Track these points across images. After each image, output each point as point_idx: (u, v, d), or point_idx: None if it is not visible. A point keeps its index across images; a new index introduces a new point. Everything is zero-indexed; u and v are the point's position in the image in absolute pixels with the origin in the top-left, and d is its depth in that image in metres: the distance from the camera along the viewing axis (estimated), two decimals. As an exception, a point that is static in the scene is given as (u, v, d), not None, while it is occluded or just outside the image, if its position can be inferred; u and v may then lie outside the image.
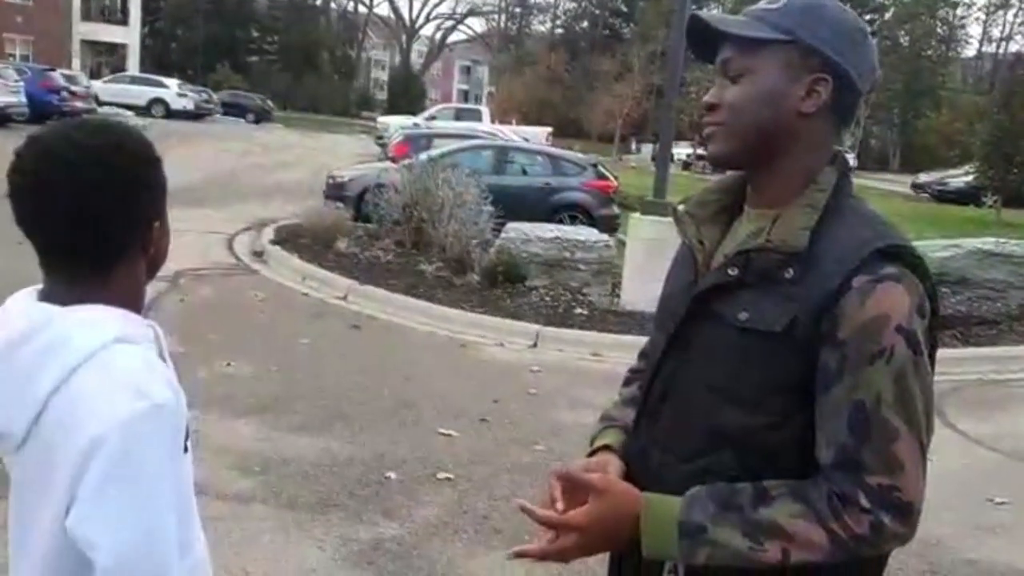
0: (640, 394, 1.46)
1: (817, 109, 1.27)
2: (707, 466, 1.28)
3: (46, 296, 1.21)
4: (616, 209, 13.63)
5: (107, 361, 1.14)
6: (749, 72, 1.28)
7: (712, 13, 1.35)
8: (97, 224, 1.17)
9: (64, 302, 1.18)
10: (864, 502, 1.18)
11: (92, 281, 1.20)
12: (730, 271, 1.28)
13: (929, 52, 62.31)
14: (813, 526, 1.19)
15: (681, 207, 1.45)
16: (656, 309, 1.48)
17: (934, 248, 9.69)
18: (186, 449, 1.25)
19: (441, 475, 4.52)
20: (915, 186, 34.81)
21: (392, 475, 4.47)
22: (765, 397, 1.24)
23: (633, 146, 44.57)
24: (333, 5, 67.45)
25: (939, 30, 63.69)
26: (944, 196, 30.73)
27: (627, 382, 1.62)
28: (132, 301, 1.25)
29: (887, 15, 64.37)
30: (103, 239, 1.19)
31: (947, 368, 7.42)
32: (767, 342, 1.23)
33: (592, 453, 1.49)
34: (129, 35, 48.02)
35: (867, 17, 64.29)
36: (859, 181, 39.16)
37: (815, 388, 1.22)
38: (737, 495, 1.23)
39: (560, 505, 1.32)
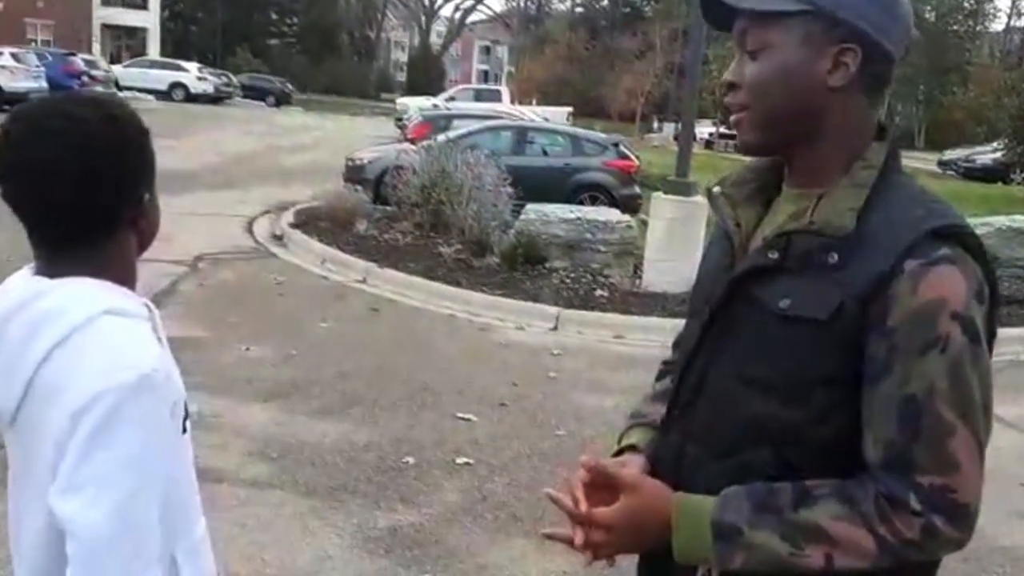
0: (672, 385, 1.37)
1: (847, 82, 1.17)
2: (744, 463, 1.20)
3: (39, 272, 1.20)
4: (638, 189, 13.48)
5: (95, 332, 1.12)
6: (768, 46, 1.18)
7: None
8: (88, 197, 1.16)
9: (55, 276, 1.17)
10: (915, 504, 1.09)
11: (83, 255, 1.18)
12: (770, 254, 1.19)
13: (956, 27, 61.26)
14: (859, 529, 1.10)
15: (716, 188, 1.36)
16: (690, 296, 1.40)
17: (962, 226, 9.53)
18: (184, 430, 1.22)
19: (460, 460, 4.46)
20: (941, 163, 34.33)
21: (410, 460, 4.41)
22: (808, 390, 1.15)
23: (655, 125, 44.20)
24: (352, -14, 67.29)
25: (966, 4, 62.57)
26: (971, 173, 30.29)
27: (660, 375, 1.53)
28: (124, 275, 1.23)
29: (913, -11, 63.39)
30: (94, 212, 1.18)
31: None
32: (811, 331, 1.13)
33: (618, 453, 1.41)
34: (149, 19, 48.14)
35: (892, -8, 63.52)
36: (884, 159, 38.67)
37: (863, 380, 1.13)
38: (776, 495, 1.14)
39: (584, 506, 1.24)
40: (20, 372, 1.12)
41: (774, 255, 1.18)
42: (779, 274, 1.18)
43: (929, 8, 61.11)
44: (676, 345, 1.49)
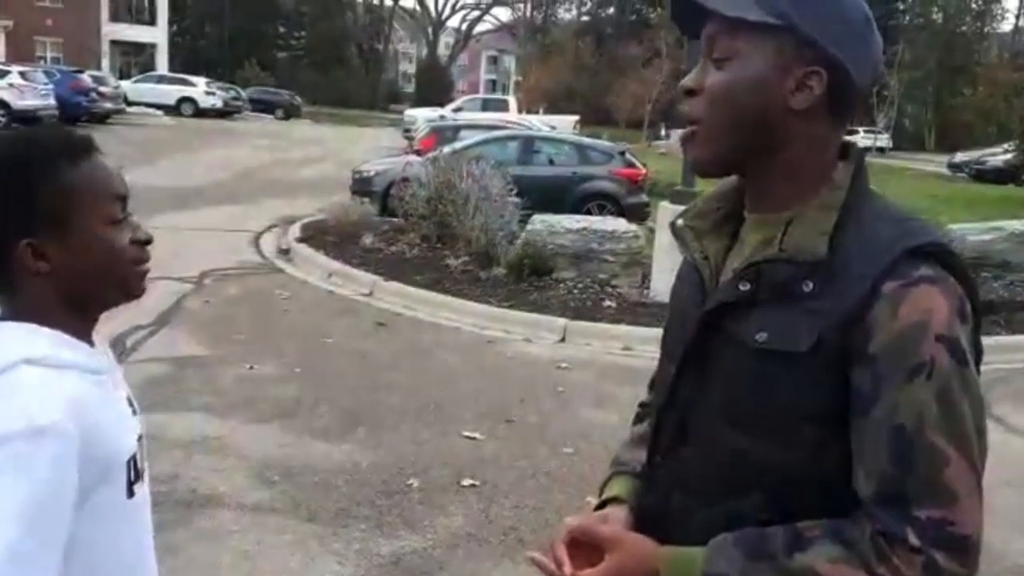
0: (651, 431, 1.29)
1: (810, 105, 1.11)
2: (735, 509, 1.12)
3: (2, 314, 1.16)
4: (645, 197, 13.40)
5: (6, 382, 1.05)
6: (735, 56, 1.12)
7: None
8: None
9: (4, 319, 1.14)
10: (913, 540, 1.02)
11: (9, 302, 1.14)
12: (741, 286, 1.12)
13: (963, 28, 61.01)
14: (857, 571, 1.03)
15: (680, 220, 1.29)
16: (662, 334, 1.32)
17: (973, 231, 9.39)
18: (131, 494, 1.13)
19: (465, 482, 4.37)
20: (951, 166, 34.12)
21: (415, 483, 4.33)
22: (795, 427, 1.08)
23: (662, 131, 44.09)
24: (359, -1, 67.54)
25: (973, 5, 62.32)
26: (982, 175, 30.07)
27: (638, 418, 1.46)
28: (54, 324, 1.14)
29: (919, -9, 63.22)
30: None
31: (992, 356, 7.13)
32: (792, 364, 1.07)
33: (601, 505, 1.33)
34: (157, 35, 48.39)
35: (899, -6, 63.44)
36: (893, 162, 38.61)
37: (850, 412, 1.06)
38: (768, 541, 1.07)
39: (567, 569, 1.16)
40: None
41: (745, 287, 1.12)
42: (752, 307, 1.12)
43: (936, 9, 60.94)
44: (652, 385, 1.42)
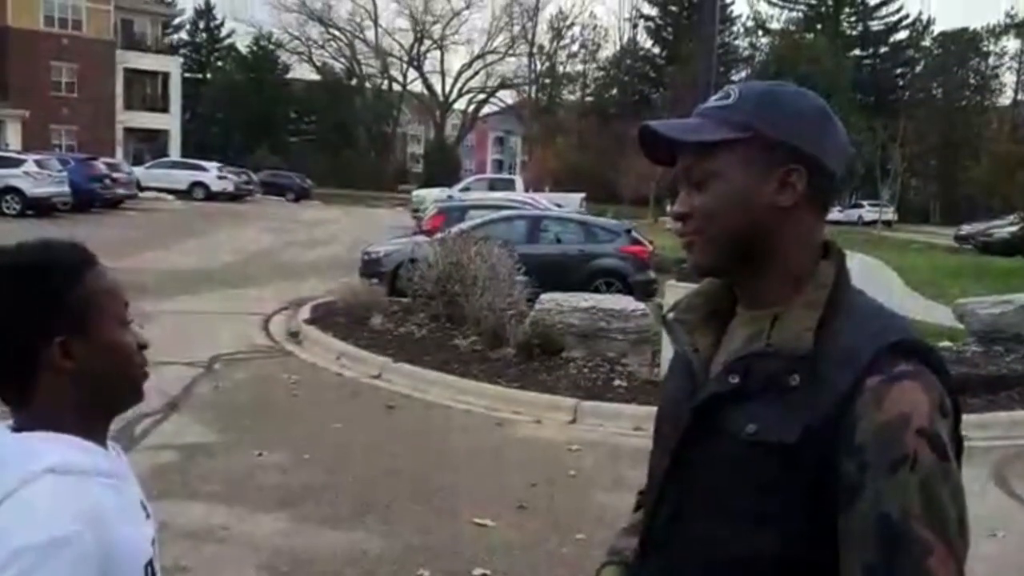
0: (644, 521, 1.30)
1: (795, 201, 1.17)
2: None
3: (14, 424, 1.18)
4: (652, 274, 13.46)
5: (27, 493, 1.07)
6: (713, 176, 1.19)
7: (663, 121, 1.25)
8: None
9: (21, 428, 1.15)
10: None
11: (24, 409, 1.17)
12: (731, 379, 1.16)
13: (964, 103, 61.93)
14: None
15: (671, 314, 1.34)
16: (654, 423, 1.34)
17: (984, 305, 9.37)
18: None
19: (476, 571, 4.28)
20: (958, 238, 34.22)
21: (425, 572, 4.24)
22: (784, 518, 1.10)
23: (668, 208, 44.51)
24: (368, 84, 68.92)
25: (972, 80, 63.37)
26: (989, 247, 30.11)
27: (638, 505, 1.47)
28: (73, 428, 1.16)
29: (918, 68, 64.33)
30: (3, 365, 1.16)
31: (1007, 432, 7.06)
32: (781, 456, 1.10)
33: None
34: (170, 122, 49.40)
35: (897, 71, 64.66)
36: (899, 235, 38.75)
37: (837, 502, 1.08)
38: None
39: None
40: None
41: (735, 380, 1.16)
42: (742, 399, 1.15)
43: (936, 85, 61.95)
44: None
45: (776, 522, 1.10)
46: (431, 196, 30.25)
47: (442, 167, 61.45)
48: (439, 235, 11.63)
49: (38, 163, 23.88)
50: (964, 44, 61.23)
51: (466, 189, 32.76)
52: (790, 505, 1.10)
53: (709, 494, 1.16)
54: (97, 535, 1.07)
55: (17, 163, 23.73)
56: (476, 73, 69.03)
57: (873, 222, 41.24)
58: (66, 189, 24.14)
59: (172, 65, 50.88)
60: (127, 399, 1.26)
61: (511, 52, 67.48)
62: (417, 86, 70.59)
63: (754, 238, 1.18)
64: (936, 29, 63.77)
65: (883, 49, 64.55)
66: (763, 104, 1.18)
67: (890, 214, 47.80)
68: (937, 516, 1.05)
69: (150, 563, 1.18)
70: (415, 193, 36.58)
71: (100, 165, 27.96)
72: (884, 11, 63.92)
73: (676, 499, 1.22)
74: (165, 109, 49.38)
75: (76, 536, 1.05)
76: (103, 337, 1.19)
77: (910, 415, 1.06)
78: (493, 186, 33.24)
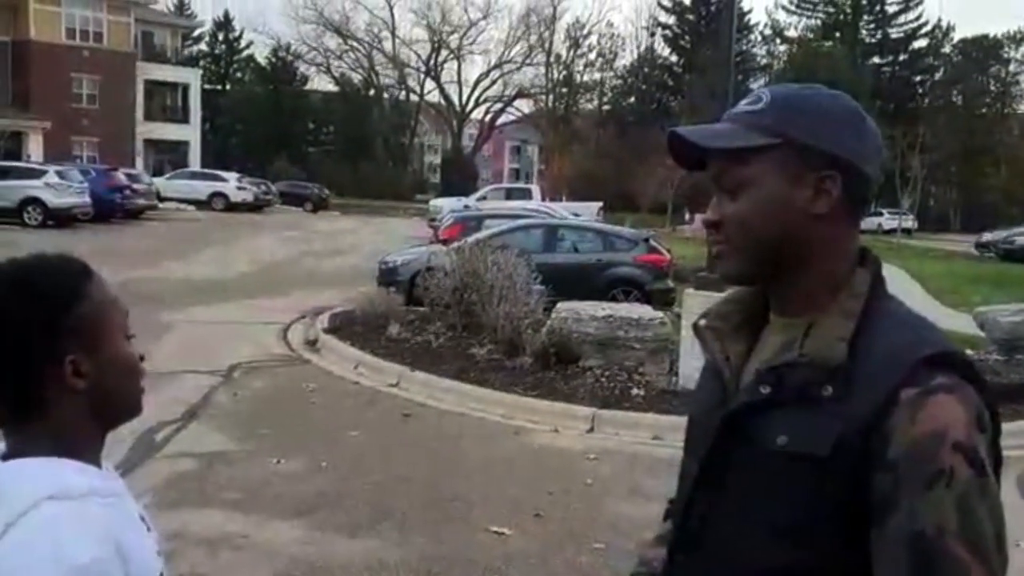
0: (673, 530, 1.29)
1: (830, 208, 1.15)
2: None
3: (6, 447, 1.13)
4: (670, 283, 13.41)
5: (31, 522, 1.03)
6: (746, 184, 1.16)
7: (692, 127, 1.23)
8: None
9: (9, 454, 1.10)
10: None
11: (24, 429, 1.12)
12: (762, 389, 1.14)
13: (984, 110, 61.50)
14: None
15: (702, 321, 1.31)
16: (685, 431, 1.33)
17: (1005, 312, 9.27)
18: None
19: (493, 579, 4.29)
20: (979, 245, 33.96)
21: (442, 580, 4.25)
22: (815, 532, 1.08)
23: (686, 216, 44.38)
24: (385, 95, 69.22)
25: (992, 87, 62.94)
26: (1011, 255, 29.87)
27: (667, 514, 1.45)
28: (75, 447, 1.13)
29: (937, 75, 63.95)
30: (5, 385, 1.11)
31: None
32: (812, 468, 1.08)
33: None
34: (190, 133, 49.74)
35: (917, 78, 64.28)
36: (919, 242, 38.45)
37: (869, 518, 1.06)
38: None
39: None
40: None
41: (766, 390, 1.14)
42: (773, 409, 1.13)
43: (955, 92, 61.56)
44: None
45: (806, 535, 1.09)
46: (448, 206, 30.34)
47: (459, 177, 61.58)
48: (456, 244, 11.65)
49: (59, 174, 24.09)
50: (985, 50, 60.84)
51: (483, 198, 32.86)
52: (821, 518, 1.08)
53: (739, 504, 1.15)
54: (116, 555, 1.05)
55: (39, 174, 23.96)
56: (493, 83, 69.22)
57: (893, 230, 40.98)
58: (87, 200, 24.34)
59: (192, 77, 51.28)
60: (127, 414, 1.23)
61: (528, 61, 67.60)
62: (434, 96, 70.85)
63: (787, 246, 1.16)
64: (956, 36, 63.40)
65: (902, 56, 64.18)
66: (794, 108, 1.16)
67: (910, 222, 47.47)
68: (974, 533, 1.02)
69: (161, 575, 1.17)
70: (432, 203, 36.66)
71: (120, 176, 28.17)
72: (903, 18, 63.60)
73: (705, 508, 1.20)
74: (185, 120, 49.76)
75: (96, 561, 1.03)
76: (110, 351, 1.16)
77: (946, 429, 1.03)
78: (510, 195, 33.30)
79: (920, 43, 64.13)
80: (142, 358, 1.24)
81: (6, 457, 1.12)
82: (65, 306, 1.13)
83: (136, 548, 1.10)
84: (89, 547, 1.03)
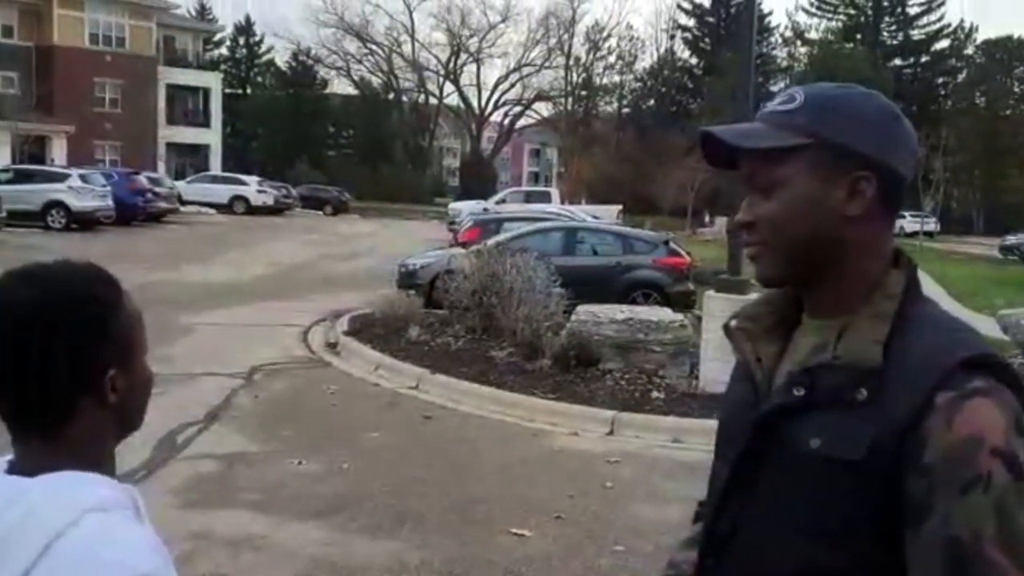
0: (704, 533, 1.27)
1: (865, 209, 1.13)
2: None
3: (15, 465, 1.09)
4: (691, 285, 13.36)
5: (83, 533, 1.00)
6: (779, 184, 1.15)
7: (725, 127, 1.21)
8: (31, 379, 1.06)
9: (32, 470, 1.06)
10: None
11: (49, 442, 1.08)
12: (795, 391, 1.12)
13: (1008, 112, 60.91)
14: None
15: (733, 322, 1.30)
16: (716, 434, 1.32)
17: (1030, 315, 9.18)
18: None
19: (514, 581, 4.28)
20: (1003, 248, 33.65)
21: (462, 582, 4.25)
22: (849, 535, 1.07)
23: (706, 219, 44.23)
24: (404, 98, 69.42)
25: (1016, 89, 62.33)
26: (1035, 258, 29.55)
27: (697, 517, 1.43)
28: (98, 461, 1.11)
29: (960, 77, 63.42)
30: (40, 395, 1.07)
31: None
32: (845, 472, 1.06)
33: None
34: (211, 137, 50.12)
35: (939, 80, 63.77)
36: (942, 245, 38.14)
37: (904, 523, 1.04)
38: None
39: None
40: None
41: (800, 392, 1.12)
42: (806, 412, 1.11)
43: (978, 94, 61.01)
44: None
45: (839, 539, 1.07)
46: (467, 209, 30.37)
47: (478, 180, 61.63)
48: (475, 247, 11.66)
49: (82, 178, 24.34)
50: (1009, 52, 60.26)
51: (502, 201, 32.89)
52: (854, 522, 1.07)
53: (770, 507, 1.14)
54: (167, 565, 1.05)
55: (62, 178, 24.21)
56: (512, 86, 69.23)
57: (915, 233, 40.66)
58: (109, 203, 24.57)
59: (213, 81, 51.66)
60: (134, 429, 1.20)
61: (547, 64, 67.58)
62: (453, 99, 70.95)
63: (822, 248, 1.15)
64: (979, 37, 62.88)
65: (924, 58, 63.70)
66: (827, 108, 1.14)
67: (932, 225, 47.09)
68: (1012, 538, 1.00)
69: None
70: (451, 206, 36.74)
71: (142, 179, 28.42)
72: (925, 20, 63.13)
73: (737, 511, 1.19)
74: (206, 124, 50.13)
75: (157, 571, 1.02)
76: (139, 369, 1.14)
77: (983, 434, 1.01)
78: (529, 198, 33.31)
79: (942, 44, 63.66)
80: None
81: (14, 468, 1.09)
82: (105, 319, 1.10)
83: (166, 556, 1.09)
84: (150, 556, 1.02)
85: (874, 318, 1.12)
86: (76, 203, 23.56)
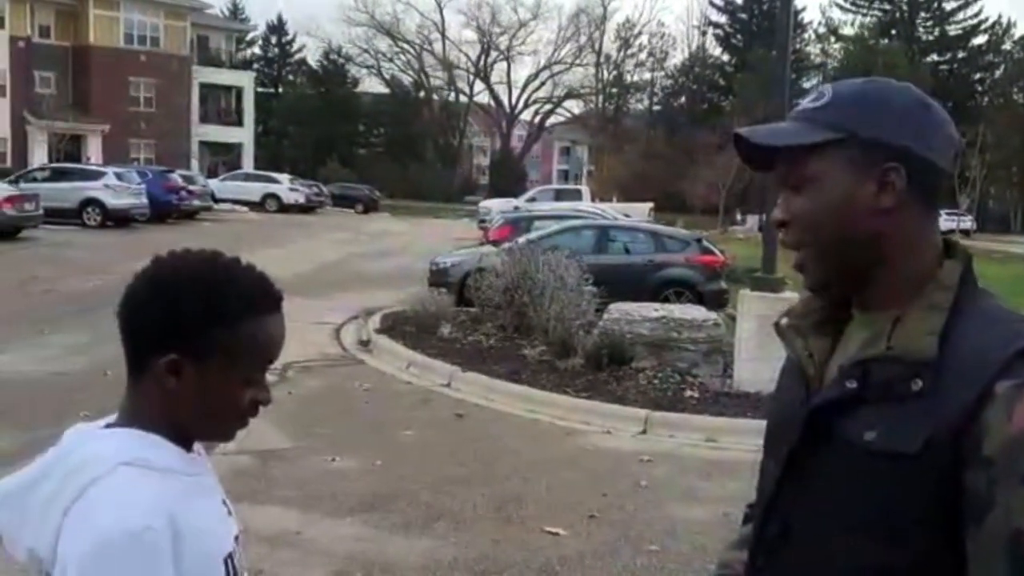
0: (754, 533, 1.26)
1: (898, 201, 1.12)
2: None
3: (116, 418, 1.22)
4: (724, 284, 13.28)
5: (103, 486, 1.10)
6: (811, 180, 1.15)
7: (755, 128, 1.21)
8: (129, 333, 1.20)
9: (114, 425, 1.20)
10: None
11: (129, 399, 1.21)
12: (848, 384, 1.11)
13: (1045, 108, 59.91)
14: None
15: (784, 320, 1.29)
16: (765, 432, 1.30)
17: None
18: None
19: (548, 580, 4.27)
20: (1042, 247, 33.04)
21: (497, 580, 4.24)
22: (904, 532, 1.05)
23: (738, 217, 43.96)
24: (435, 96, 69.62)
25: (1054, 84, 61.27)
26: (1075, 256, 29.02)
27: (747, 518, 1.42)
28: (163, 425, 1.18)
29: (997, 73, 62.49)
30: (132, 348, 1.20)
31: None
32: (901, 466, 1.05)
33: None
34: (244, 135, 50.57)
35: (976, 76, 62.86)
36: (978, 243, 37.58)
37: (964, 517, 1.02)
38: None
39: None
40: (50, 524, 1.12)
41: (852, 384, 1.11)
42: (859, 405, 1.10)
43: (1016, 90, 60.05)
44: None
45: (894, 535, 1.06)
46: (497, 207, 30.38)
47: (508, 178, 61.67)
48: (506, 245, 11.65)
49: (118, 176, 24.63)
50: (1048, 47, 59.30)
51: (532, 200, 32.83)
52: (910, 518, 1.05)
53: (823, 504, 1.12)
54: (171, 525, 1.09)
55: (98, 176, 24.54)
56: (542, 83, 69.26)
57: (951, 231, 40.20)
58: (144, 201, 24.86)
59: (245, 80, 52.12)
60: (211, 438, 1.29)
61: (578, 62, 67.55)
62: (483, 97, 71.13)
63: (859, 243, 1.14)
64: (1017, 32, 61.96)
65: (961, 54, 62.85)
66: (856, 103, 1.14)
67: (968, 223, 46.44)
68: None
69: (230, 556, 1.20)
70: (481, 204, 36.74)
71: (176, 177, 28.73)
72: (961, 15, 62.31)
73: (788, 510, 1.18)
74: (239, 123, 50.58)
75: (151, 531, 1.07)
76: (216, 381, 1.17)
77: None
78: (559, 196, 33.21)
79: (979, 40, 62.76)
80: (265, 403, 1.23)
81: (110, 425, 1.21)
82: (212, 318, 1.16)
83: (204, 527, 1.14)
84: (143, 515, 1.08)
85: (928, 309, 1.10)
86: (112, 201, 23.86)
